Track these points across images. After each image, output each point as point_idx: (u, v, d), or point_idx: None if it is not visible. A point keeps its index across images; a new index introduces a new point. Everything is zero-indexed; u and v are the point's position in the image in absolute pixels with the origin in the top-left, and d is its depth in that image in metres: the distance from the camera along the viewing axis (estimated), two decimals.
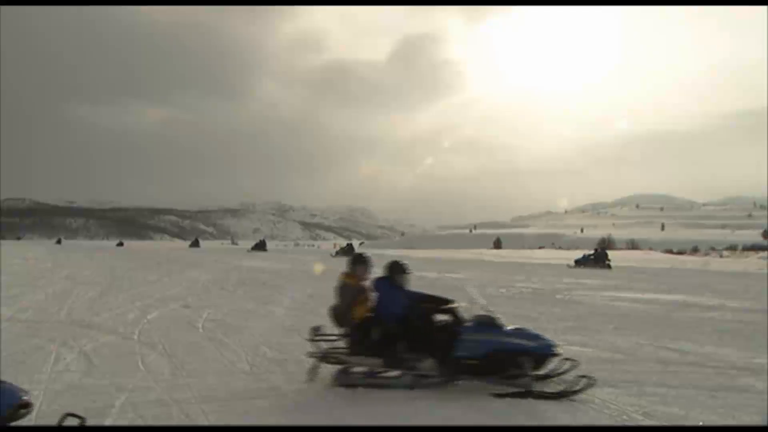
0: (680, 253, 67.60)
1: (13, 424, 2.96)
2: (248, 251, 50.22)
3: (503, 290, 17.11)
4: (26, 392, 3.10)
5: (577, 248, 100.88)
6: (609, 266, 30.48)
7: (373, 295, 6.12)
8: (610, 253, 34.36)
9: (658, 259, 53.72)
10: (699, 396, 5.70)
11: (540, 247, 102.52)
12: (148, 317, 10.45)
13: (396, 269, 6.25)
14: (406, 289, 6.22)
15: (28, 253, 38.69)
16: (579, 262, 32.01)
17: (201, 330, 9.22)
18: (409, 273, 6.31)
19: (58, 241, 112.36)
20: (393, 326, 5.83)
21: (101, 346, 7.74)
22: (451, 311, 6.09)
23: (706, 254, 63.87)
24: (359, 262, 6.41)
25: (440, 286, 18.56)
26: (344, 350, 5.96)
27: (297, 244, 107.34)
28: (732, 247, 77.99)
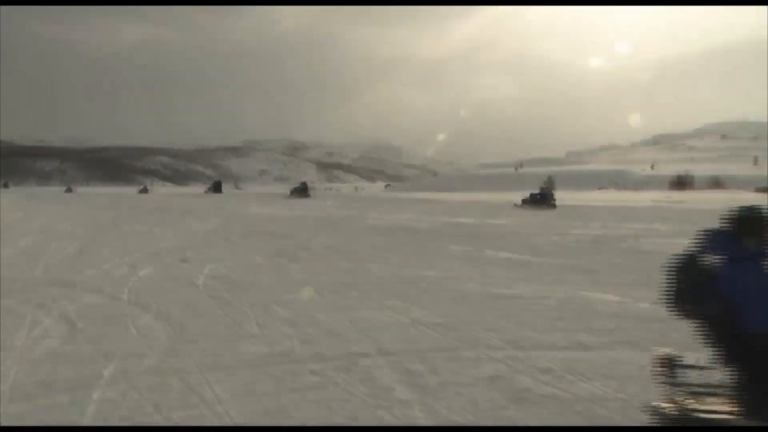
0: None
1: None
2: (205, 192, 73.87)
3: (556, 238, 16.97)
4: None
5: (645, 188, 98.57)
6: (554, 205, 35.76)
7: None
8: (687, 194, 36.82)
9: (747, 200, 52.45)
10: None
11: (600, 188, 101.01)
12: (139, 274, 10.63)
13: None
14: None
15: None
16: (525, 202, 37.33)
17: (201, 288, 9.35)
18: None
19: (5, 185, 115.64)
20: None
21: (85, 307, 7.87)
22: None
23: None
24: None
25: (483, 234, 18.47)
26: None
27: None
28: None
